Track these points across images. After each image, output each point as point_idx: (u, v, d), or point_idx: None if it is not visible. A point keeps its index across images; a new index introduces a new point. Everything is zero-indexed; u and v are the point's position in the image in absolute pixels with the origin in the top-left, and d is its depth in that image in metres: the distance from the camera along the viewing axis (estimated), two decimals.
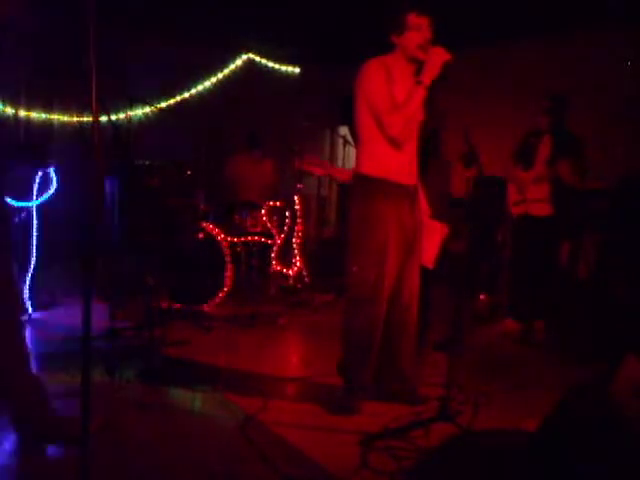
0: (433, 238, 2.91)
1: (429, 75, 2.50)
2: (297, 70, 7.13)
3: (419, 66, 2.58)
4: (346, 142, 5.77)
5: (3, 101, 4.77)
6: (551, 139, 4.15)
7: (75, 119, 5.20)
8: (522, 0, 4.65)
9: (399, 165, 2.64)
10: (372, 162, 2.65)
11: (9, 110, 4.82)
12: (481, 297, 4.99)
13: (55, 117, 5.14)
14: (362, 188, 2.68)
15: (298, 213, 5.10)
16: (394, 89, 2.57)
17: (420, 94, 2.52)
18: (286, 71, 7.06)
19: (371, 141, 2.65)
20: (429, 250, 2.89)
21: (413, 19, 2.55)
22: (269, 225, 4.96)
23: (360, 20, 4.87)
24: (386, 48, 2.66)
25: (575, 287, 4.55)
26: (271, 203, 5.00)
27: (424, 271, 2.87)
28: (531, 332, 4.18)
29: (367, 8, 4.15)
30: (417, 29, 2.55)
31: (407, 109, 2.52)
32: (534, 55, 5.32)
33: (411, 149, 2.69)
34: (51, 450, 2.31)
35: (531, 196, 4.17)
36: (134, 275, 4.31)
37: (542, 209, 4.14)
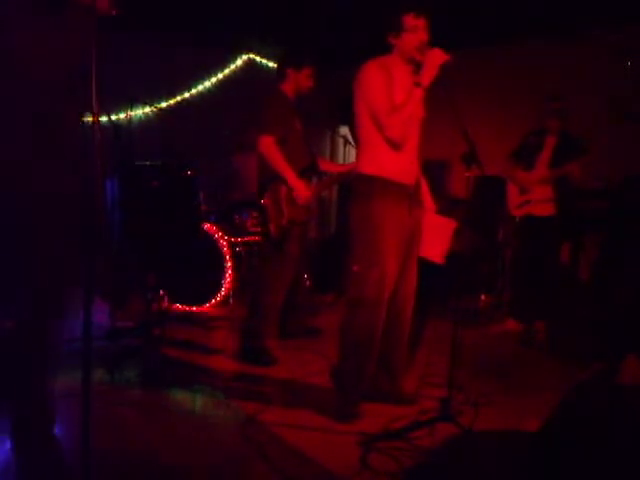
0: (442, 234, 2.87)
1: (427, 77, 2.48)
2: None
3: (417, 67, 2.57)
4: (346, 142, 5.76)
5: None
6: (555, 140, 4.15)
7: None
8: (522, 0, 4.65)
9: (399, 165, 2.63)
10: (372, 162, 2.65)
11: None
12: (482, 297, 4.98)
13: None
14: (362, 188, 2.67)
15: None
16: (393, 90, 2.56)
17: (418, 96, 2.51)
18: None
19: (371, 142, 2.65)
20: (438, 245, 2.86)
21: (410, 20, 2.54)
22: None
23: (359, 20, 4.87)
24: (385, 49, 2.66)
25: (576, 287, 4.55)
26: None
27: (422, 271, 2.86)
28: (532, 332, 4.18)
29: (367, 8, 4.14)
30: (414, 30, 2.54)
31: (405, 111, 2.51)
32: (534, 55, 5.32)
33: (411, 149, 2.68)
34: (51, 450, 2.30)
35: (536, 197, 4.17)
36: (134, 275, 4.30)
37: (545, 209, 4.14)
